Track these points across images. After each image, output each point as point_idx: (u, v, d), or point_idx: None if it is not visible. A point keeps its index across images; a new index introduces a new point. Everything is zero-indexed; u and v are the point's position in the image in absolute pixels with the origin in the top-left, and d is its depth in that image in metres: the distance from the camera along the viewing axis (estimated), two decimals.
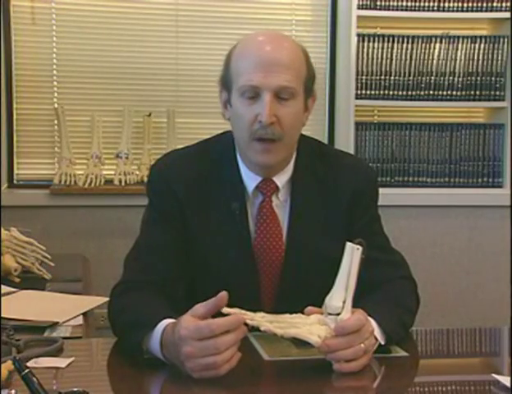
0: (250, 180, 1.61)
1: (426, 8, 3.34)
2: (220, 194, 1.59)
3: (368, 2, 3.32)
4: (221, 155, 1.64)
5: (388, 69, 3.38)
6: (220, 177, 1.61)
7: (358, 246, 1.29)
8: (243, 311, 1.26)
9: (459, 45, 3.40)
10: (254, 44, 1.55)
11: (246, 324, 1.25)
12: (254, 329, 1.27)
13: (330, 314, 1.30)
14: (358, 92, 3.36)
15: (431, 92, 3.40)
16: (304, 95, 1.58)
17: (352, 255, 1.29)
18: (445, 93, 3.41)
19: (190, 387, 1.24)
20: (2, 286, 1.95)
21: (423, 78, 3.39)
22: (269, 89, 1.50)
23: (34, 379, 1.06)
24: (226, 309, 1.24)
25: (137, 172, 3.28)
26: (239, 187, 1.61)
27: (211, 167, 1.62)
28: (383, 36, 3.37)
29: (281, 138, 1.53)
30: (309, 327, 1.27)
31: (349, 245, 1.30)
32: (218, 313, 1.24)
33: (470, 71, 3.41)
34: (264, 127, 1.50)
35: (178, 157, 1.68)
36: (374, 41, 3.36)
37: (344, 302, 1.29)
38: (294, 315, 1.30)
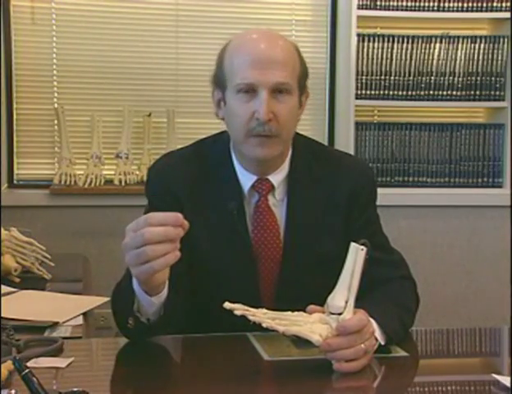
0: (246, 179, 1.61)
1: (426, 8, 3.34)
2: (217, 193, 1.60)
3: (368, 2, 3.32)
4: (217, 155, 1.64)
5: (388, 69, 3.38)
6: (217, 177, 1.61)
7: (363, 247, 1.29)
8: (245, 307, 1.26)
9: (459, 45, 3.40)
10: (248, 42, 1.56)
11: (248, 320, 1.25)
12: (255, 327, 1.27)
13: (332, 314, 1.29)
14: (358, 92, 3.36)
15: (431, 92, 3.40)
16: (298, 92, 1.58)
17: (356, 256, 1.29)
18: (445, 93, 3.41)
19: (190, 388, 1.24)
20: (2, 286, 1.95)
21: (423, 78, 3.39)
22: (266, 86, 1.50)
23: (34, 379, 1.06)
24: (228, 305, 1.24)
25: (137, 172, 3.28)
26: (235, 187, 1.61)
27: (208, 167, 1.62)
28: (383, 36, 3.37)
29: (278, 134, 1.53)
30: (311, 325, 1.27)
31: (353, 245, 1.30)
32: (222, 310, 1.24)
33: (470, 71, 3.41)
34: (262, 124, 1.51)
35: (175, 157, 1.68)
36: (374, 41, 3.36)
37: (346, 302, 1.29)
38: (296, 313, 1.30)
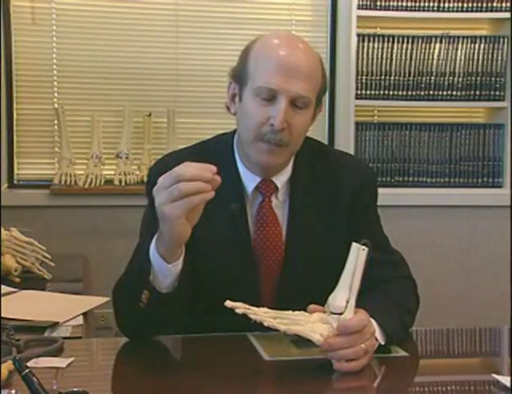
0: (249, 180, 1.61)
1: (426, 8, 3.34)
2: (219, 194, 1.59)
3: (368, 2, 3.32)
4: (219, 156, 1.63)
5: (388, 69, 3.38)
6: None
7: (364, 247, 1.29)
8: (246, 305, 1.26)
9: (459, 45, 3.40)
10: (277, 46, 1.53)
11: (249, 319, 1.25)
12: (256, 327, 1.27)
13: (333, 313, 1.30)
14: (358, 92, 3.36)
15: (431, 92, 3.40)
16: (315, 106, 1.58)
17: (357, 256, 1.29)
18: (445, 93, 3.41)
19: (190, 388, 1.24)
20: (2, 286, 1.95)
21: (423, 78, 3.39)
22: (287, 95, 1.49)
23: (34, 379, 1.06)
24: (229, 303, 1.24)
25: (137, 172, 3.28)
26: (238, 188, 1.61)
27: None
28: (383, 36, 3.37)
29: (288, 144, 1.53)
30: (312, 325, 1.28)
31: (354, 245, 1.30)
32: (222, 309, 1.24)
33: (470, 71, 3.41)
34: (274, 132, 1.50)
35: (177, 157, 1.67)
36: (374, 41, 3.36)
37: (347, 302, 1.29)
38: (297, 312, 1.30)
